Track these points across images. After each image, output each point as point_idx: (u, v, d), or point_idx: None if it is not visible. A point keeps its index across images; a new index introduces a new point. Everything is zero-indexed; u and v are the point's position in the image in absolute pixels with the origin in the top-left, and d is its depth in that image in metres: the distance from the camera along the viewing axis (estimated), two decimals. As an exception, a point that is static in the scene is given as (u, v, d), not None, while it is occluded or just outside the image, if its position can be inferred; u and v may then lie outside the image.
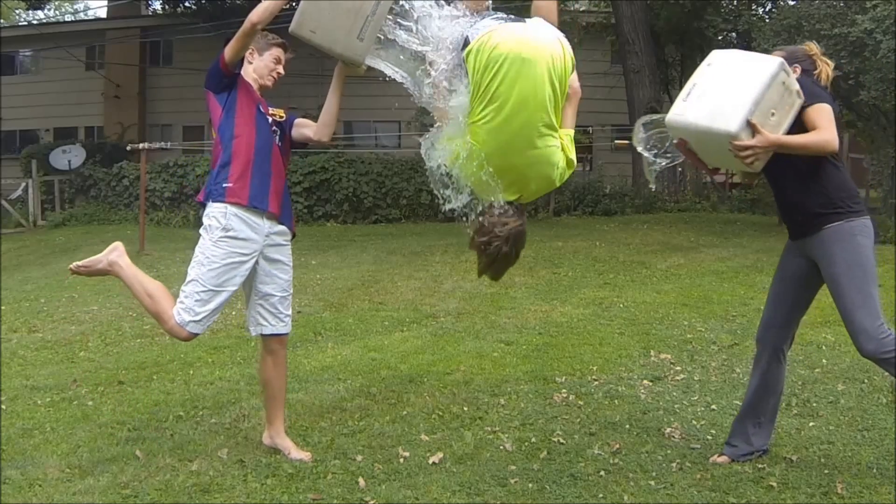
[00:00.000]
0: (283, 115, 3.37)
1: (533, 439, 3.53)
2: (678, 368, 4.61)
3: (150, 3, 22.85)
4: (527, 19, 2.82)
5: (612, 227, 12.15)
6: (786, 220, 3.17)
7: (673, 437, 3.53)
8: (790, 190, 3.03)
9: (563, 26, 2.95)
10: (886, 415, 3.70)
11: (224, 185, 3.15)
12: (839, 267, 2.91)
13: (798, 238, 3.08)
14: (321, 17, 2.93)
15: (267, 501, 2.94)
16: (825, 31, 10.02)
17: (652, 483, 3.03)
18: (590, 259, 9.00)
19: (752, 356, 3.34)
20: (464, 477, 3.11)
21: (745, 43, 14.24)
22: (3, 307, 7.03)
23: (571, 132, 2.88)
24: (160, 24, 20.39)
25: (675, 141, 3.06)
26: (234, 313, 6.07)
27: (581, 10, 19.10)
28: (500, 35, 2.68)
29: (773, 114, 2.81)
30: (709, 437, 3.51)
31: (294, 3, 3.02)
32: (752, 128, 2.75)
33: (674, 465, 3.20)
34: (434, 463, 3.26)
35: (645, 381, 4.36)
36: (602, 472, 3.14)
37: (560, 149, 2.78)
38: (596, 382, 4.38)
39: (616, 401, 4.05)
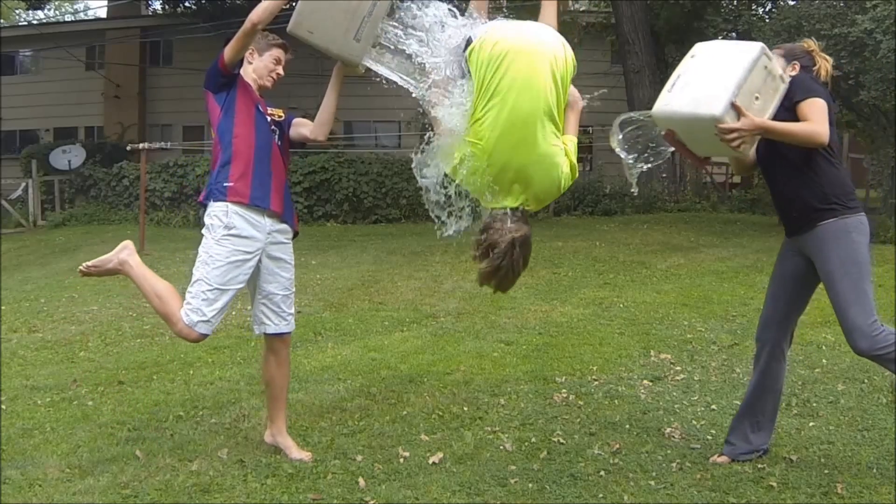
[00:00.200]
0: (282, 114, 3.38)
1: (533, 439, 3.53)
2: (678, 368, 4.61)
3: (150, 3, 22.86)
4: (528, 21, 2.82)
5: (612, 227, 12.16)
6: (781, 217, 3.17)
7: (673, 437, 3.53)
8: (781, 180, 3.03)
9: (563, 26, 2.95)
10: (886, 415, 3.70)
11: (225, 184, 3.15)
12: (834, 264, 2.91)
13: (794, 235, 3.09)
14: (319, 16, 2.94)
15: (267, 501, 2.94)
16: (825, 31, 10.01)
17: (652, 483, 3.03)
18: (590, 259, 9.00)
19: (752, 356, 3.34)
20: (464, 477, 3.11)
21: (745, 43, 14.22)
22: (3, 307, 7.03)
23: (575, 139, 2.86)
24: (160, 24, 20.39)
25: (662, 133, 3.04)
26: (233, 313, 6.07)
27: (581, 10, 19.09)
28: (501, 32, 2.68)
29: (756, 98, 2.81)
30: (709, 437, 3.51)
31: (294, 3, 3.02)
32: (736, 111, 2.76)
33: (674, 465, 3.20)
34: (434, 463, 3.26)
35: (645, 381, 4.36)
36: (602, 472, 3.14)
37: (563, 151, 2.75)
38: (596, 382, 4.38)
39: (616, 401, 4.06)
